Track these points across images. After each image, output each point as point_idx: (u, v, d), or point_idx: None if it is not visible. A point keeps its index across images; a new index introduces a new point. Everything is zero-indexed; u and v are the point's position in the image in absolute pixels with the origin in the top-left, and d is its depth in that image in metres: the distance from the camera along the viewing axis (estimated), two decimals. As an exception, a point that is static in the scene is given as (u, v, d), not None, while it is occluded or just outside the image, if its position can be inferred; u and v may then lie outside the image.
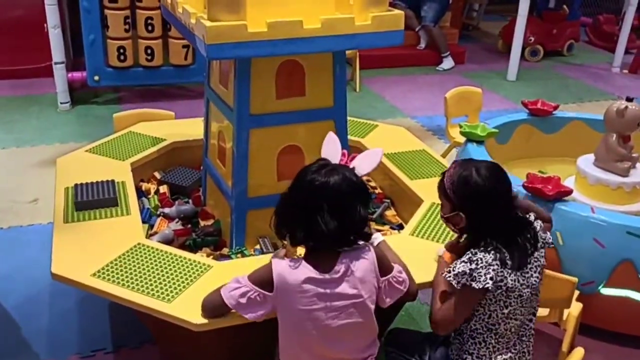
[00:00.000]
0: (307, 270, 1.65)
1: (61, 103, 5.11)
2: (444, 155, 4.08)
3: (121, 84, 5.34)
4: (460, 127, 3.41)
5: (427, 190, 2.52)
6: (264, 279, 1.67)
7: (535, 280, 1.91)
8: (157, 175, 2.90)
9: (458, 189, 1.88)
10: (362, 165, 1.86)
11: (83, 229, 2.21)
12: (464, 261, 1.80)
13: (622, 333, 2.75)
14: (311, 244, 1.70)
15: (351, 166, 1.83)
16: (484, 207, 1.85)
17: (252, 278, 1.69)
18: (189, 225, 2.56)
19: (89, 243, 2.13)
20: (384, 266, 1.75)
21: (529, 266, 1.88)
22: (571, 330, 2.43)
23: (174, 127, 3.18)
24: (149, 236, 2.41)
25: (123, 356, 2.55)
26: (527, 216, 1.97)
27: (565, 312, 2.41)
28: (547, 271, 2.29)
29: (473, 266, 1.79)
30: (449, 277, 1.82)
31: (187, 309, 1.81)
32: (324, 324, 1.67)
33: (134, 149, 2.86)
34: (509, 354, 1.93)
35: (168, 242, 2.36)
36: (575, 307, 2.44)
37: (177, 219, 2.58)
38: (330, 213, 1.64)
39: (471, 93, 4.24)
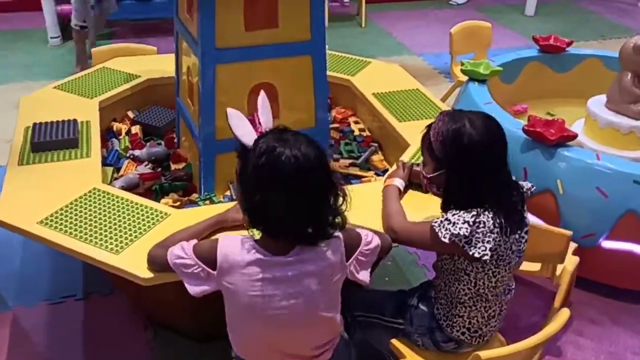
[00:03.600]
0: (255, 252, 1.42)
1: (51, 38, 4.91)
2: (446, 96, 3.85)
3: (113, 18, 5.09)
4: (462, 64, 3.15)
5: (415, 133, 2.28)
6: (207, 256, 1.45)
7: (524, 246, 1.72)
8: (131, 114, 2.73)
9: (448, 144, 1.63)
10: (266, 118, 1.58)
11: (37, 172, 2.06)
12: (466, 221, 1.57)
13: (621, 287, 2.58)
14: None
15: (263, 129, 1.52)
16: (477, 165, 1.61)
17: (197, 251, 1.47)
18: (160, 169, 2.40)
19: (41, 187, 1.98)
20: (350, 247, 1.52)
21: (522, 231, 1.69)
22: (565, 285, 2.27)
23: (153, 62, 2.97)
24: (112, 180, 2.25)
25: (93, 303, 2.45)
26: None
27: (559, 267, 2.24)
28: (540, 224, 2.11)
29: (474, 229, 1.58)
30: (437, 227, 1.61)
31: (136, 262, 1.66)
32: (276, 312, 1.44)
33: (105, 86, 2.67)
34: (500, 316, 1.79)
35: (132, 186, 2.21)
36: (571, 262, 2.27)
37: (146, 162, 2.41)
38: (286, 193, 1.37)
39: (479, 28, 3.95)
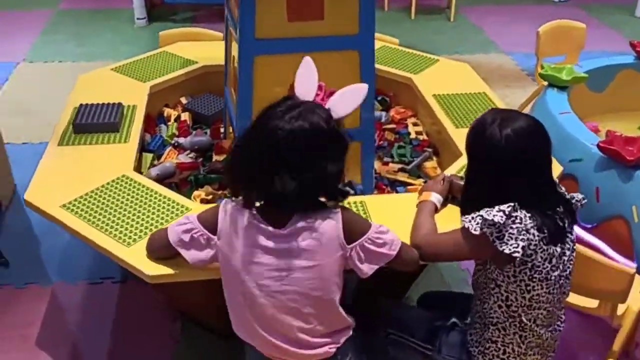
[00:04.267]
0: (254, 219, 1.39)
1: (137, 19, 5.03)
2: (527, 102, 3.55)
3: (199, 2, 5.15)
4: (542, 68, 2.88)
5: (470, 141, 2.10)
6: (209, 219, 1.45)
7: (569, 268, 1.53)
8: (184, 101, 2.70)
9: (470, 136, 1.54)
10: (341, 104, 1.49)
11: (74, 154, 2.07)
12: (501, 209, 1.42)
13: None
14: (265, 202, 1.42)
15: (327, 106, 1.47)
16: (494, 167, 1.47)
17: (200, 217, 1.47)
18: (201, 159, 2.35)
19: (73, 170, 1.98)
20: (354, 231, 1.42)
21: (564, 246, 1.50)
22: (628, 327, 1.99)
23: (215, 49, 2.92)
24: (150, 167, 2.23)
25: (128, 288, 2.45)
26: (563, 192, 1.57)
27: (622, 305, 1.96)
28: (600, 258, 1.86)
29: (509, 222, 1.42)
30: (468, 221, 1.46)
31: (144, 256, 1.61)
32: (265, 283, 1.40)
33: (160, 71, 2.66)
34: (544, 352, 1.59)
35: (167, 175, 2.17)
36: (637, 301, 1.99)
37: (189, 151, 2.37)
38: (290, 171, 1.34)
39: (571, 28, 3.60)
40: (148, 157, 2.27)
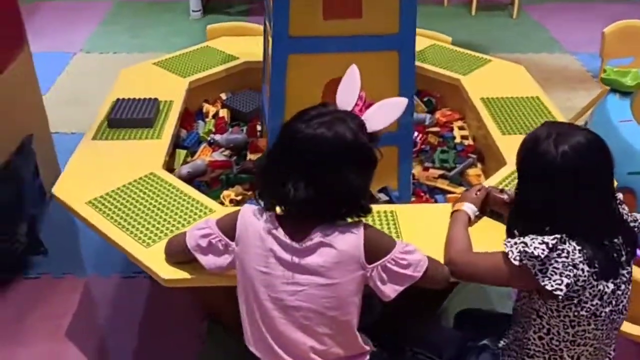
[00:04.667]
0: (273, 227, 1.33)
1: (193, 11, 5.06)
2: (589, 106, 3.33)
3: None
4: (604, 71, 2.67)
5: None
6: (228, 225, 1.41)
7: (623, 302, 1.39)
8: (224, 97, 2.66)
9: (522, 154, 1.40)
10: (377, 118, 1.40)
11: (106, 149, 2.06)
12: (544, 242, 1.31)
13: None
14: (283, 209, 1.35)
15: (363, 117, 1.39)
16: (547, 187, 1.34)
17: (219, 222, 1.43)
18: (234, 158, 2.30)
19: (104, 165, 1.97)
20: (377, 250, 1.33)
21: (617, 280, 1.36)
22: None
23: (258, 44, 2.87)
24: (182, 164, 2.19)
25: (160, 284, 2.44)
26: (626, 213, 1.42)
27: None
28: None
29: (553, 255, 1.30)
30: (509, 247, 1.35)
31: (162, 258, 1.58)
32: (279, 296, 1.33)
33: (201, 66, 2.63)
34: None
35: (198, 173, 2.14)
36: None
37: (224, 148, 2.33)
38: (306, 177, 1.27)
39: (640, 29, 3.35)
40: (182, 153, 2.24)
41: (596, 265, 1.31)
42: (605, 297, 1.34)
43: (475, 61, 2.68)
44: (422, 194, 2.18)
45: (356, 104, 1.44)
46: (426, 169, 2.29)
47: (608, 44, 3.28)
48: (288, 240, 1.32)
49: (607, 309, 1.36)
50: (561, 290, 1.29)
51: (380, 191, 2.09)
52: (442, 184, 2.19)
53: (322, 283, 1.31)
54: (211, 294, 1.90)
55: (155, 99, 2.25)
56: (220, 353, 2.16)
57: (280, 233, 1.33)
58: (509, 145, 2.05)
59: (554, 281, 1.30)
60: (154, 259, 1.58)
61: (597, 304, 1.34)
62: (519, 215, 1.45)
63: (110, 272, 2.52)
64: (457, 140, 2.43)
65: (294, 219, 1.34)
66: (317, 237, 1.31)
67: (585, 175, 1.32)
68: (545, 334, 1.41)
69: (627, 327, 1.78)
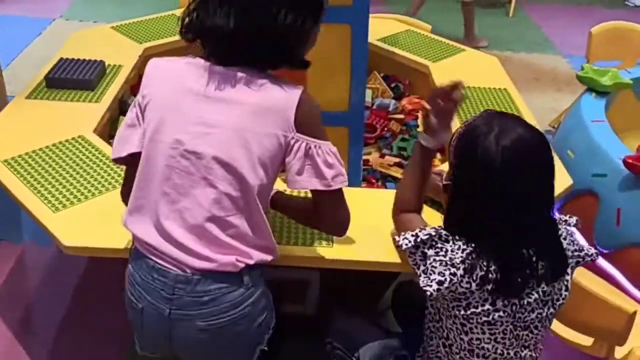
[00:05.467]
0: (189, 60, 1.20)
1: (181, -15, 4.93)
2: (570, 108, 3.20)
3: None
4: (582, 69, 2.55)
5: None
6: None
7: (530, 316, 1.26)
8: (182, 67, 2.54)
9: (458, 147, 1.25)
10: None
11: (39, 108, 1.94)
12: (437, 231, 1.23)
13: None
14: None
15: None
16: (479, 187, 1.19)
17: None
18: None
19: (32, 125, 1.85)
20: (309, 124, 1.19)
21: (528, 299, 1.23)
22: (629, 375, 1.70)
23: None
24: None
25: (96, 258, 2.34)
26: (561, 220, 1.29)
27: (621, 348, 1.67)
28: (598, 294, 1.57)
29: (437, 247, 1.22)
30: (400, 241, 1.27)
31: (68, 225, 1.47)
32: (182, 138, 1.17)
33: (161, 33, 2.52)
34: None
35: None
36: (641, 346, 1.69)
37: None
38: (233, 5, 1.13)
39: (629, 31, 3.25)
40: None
41: (496, 282, 1.18)
42: (501, 305, 1.21)
43: (448, 49, 2.56)
44: (374, 181, 2.07)
45: None
46: (382, 155, 2.18)
47: (595, 45, 3.16)
48: (209, 65, 1.17)
49: (505, 320, 1.23)
50: (430, 287, 1.18)
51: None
52: (396, 172, 2.07)
53: (233, 127, 1.16)
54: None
55: (101, 62, 2.14)
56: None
57: (200, 61, 1.18)
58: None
59: (429, 276, 1.20)
60: (59, 224, 1.47)
61: (488, 309, 1.21)
62: (455, 210, 1.29)
63: (49, 241, 2.39)
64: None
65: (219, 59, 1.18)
66: (244, 75, 1.17)
67: (523, 179, 1.18)
68: (445, 339, 1.31)
69: (565, 332, 1.68)
